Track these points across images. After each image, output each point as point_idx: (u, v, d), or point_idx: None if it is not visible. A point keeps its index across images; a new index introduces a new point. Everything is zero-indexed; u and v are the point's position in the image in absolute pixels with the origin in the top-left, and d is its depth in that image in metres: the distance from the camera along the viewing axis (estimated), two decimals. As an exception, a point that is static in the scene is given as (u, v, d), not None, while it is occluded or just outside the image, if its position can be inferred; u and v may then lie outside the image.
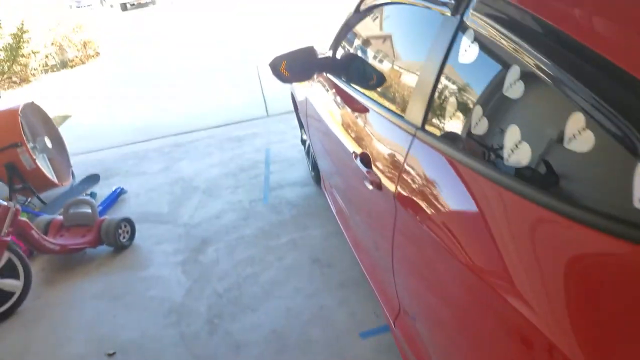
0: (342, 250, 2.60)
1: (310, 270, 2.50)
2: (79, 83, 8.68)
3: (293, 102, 3.47)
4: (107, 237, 2.92)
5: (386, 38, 1.64)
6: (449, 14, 1.16)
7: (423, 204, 1.14)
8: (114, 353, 2.16)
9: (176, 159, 4.31)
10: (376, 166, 1.46)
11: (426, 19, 1.33)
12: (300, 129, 3.65)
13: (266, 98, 5.78)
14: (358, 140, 1.67)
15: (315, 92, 2.50)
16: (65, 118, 6.35)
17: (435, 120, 1.20)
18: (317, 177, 3.23)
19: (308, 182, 3.47)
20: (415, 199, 1.19)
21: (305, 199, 3.25)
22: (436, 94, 1.19)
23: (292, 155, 4.00)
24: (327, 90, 2.29)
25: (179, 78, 7.70)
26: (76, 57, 10.02)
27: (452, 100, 1.13)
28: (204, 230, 3.07)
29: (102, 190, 3.82)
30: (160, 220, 3.29)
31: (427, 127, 1.21)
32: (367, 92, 1.73)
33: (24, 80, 9.05)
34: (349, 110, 1.88)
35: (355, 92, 1.82)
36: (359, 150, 1.63)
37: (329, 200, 2.73)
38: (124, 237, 3.00)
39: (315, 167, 3.21)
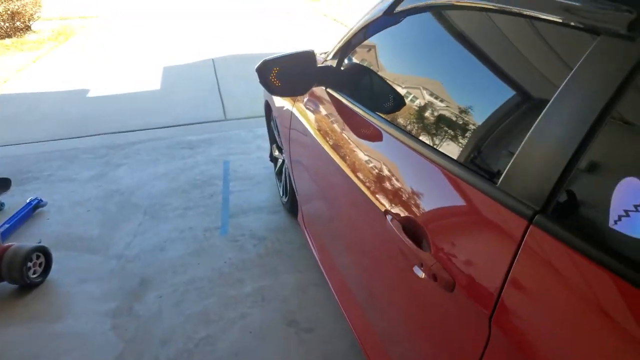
0: (326, 308, 2.07)
1: (284, 336, 1.94)
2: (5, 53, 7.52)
3: (266, 108, 2.89)
4: (11, 271, 2.20)
5: (457, 59, 1.12)
6: (622, 34, 0.68)
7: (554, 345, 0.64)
8: None
9: (113, 165, 3.58)
10: (441, 250, 0.94)
11: (563, 39, 0.83)
12: (272, 144, 3.07)
13: (224, 97, 5.12)
14: (394, 194, 1.15)
15: (307, 107, 1.95)
16: (-23, 100, 5.33)
17: (572, 202, 0.70)
18: (291, 205, 2.67)
19: (277, 209, 2.90)
20: (534, 334, 0.68)
21: (274, 231, 2.68)
22: (581, 159, 0.70)
23: (256, 171, 3.41)
24: (326, 109, 1.75)
25: (123, 63, 6.82)
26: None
27: (602, 168, 0.64)
28: (144, 266, 2.41)
29: (13, 200, 3.03)
30: (87, 247, 2.59)
31: (556, 210, 0.71)
32: (407, 127, 1.21)
33: None
34: (370, 145, 1.35)
35: (385, 123, 1.30)
36: (396, 210, 1.11)
37: (308, 238, 2.19)
38: (34, 272, 2.28)
39: (289, 193, 2.65)
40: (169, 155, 3.71)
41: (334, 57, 1.81)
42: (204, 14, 11.66)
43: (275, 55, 1.65)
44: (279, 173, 2.96)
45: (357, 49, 1.68)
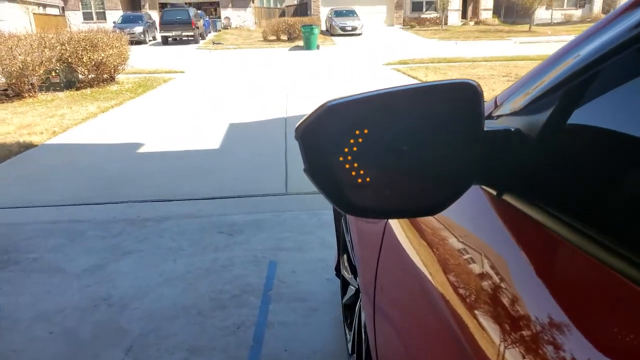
0: None
1: None
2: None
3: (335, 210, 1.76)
4: None
5: None
6: None
7: None
8: None
9: (121, 252, 2.58)
10: None
11: None
12: (342, 254, 1.90)
13: (289, 164, 4.10)
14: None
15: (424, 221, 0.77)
16: (26, 147, 4.79)
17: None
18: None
19: (340, 377, 1.66)
20: None
21: None
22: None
23: (313, 285, 2.22)
24: (482, 230, 0.55)
25: (192, 117, 6.18)
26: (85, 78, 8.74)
27: None
28: None
29: (-39, 301, 2.09)
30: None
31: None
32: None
33: (18, 95, 7.70)
34: None
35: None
36: None
37: None
38: None
39: (363, 353, 1.41)
40: (198, 244, 2.65)
41: (513, 114, 0.65)
42: (292, 73, 11.24)
43: (355, 96, 0.52)
44: (347, 308, 1.76)
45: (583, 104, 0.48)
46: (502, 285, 0.59)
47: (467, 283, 0.65)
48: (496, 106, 0.78)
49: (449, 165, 0.61)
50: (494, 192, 0.68)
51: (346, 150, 0.56)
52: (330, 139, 0.56)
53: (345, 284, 1.86)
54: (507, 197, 0.66)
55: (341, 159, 0.56)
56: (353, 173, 0.57)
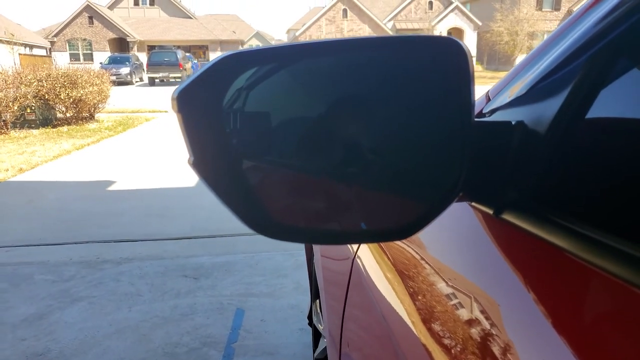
0: None
1: None
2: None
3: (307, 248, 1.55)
4: None
5: None
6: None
7: None
8: None
9: (70, 299, 2.29)
10: None
11: None
12: (315, 300, 1.67)
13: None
14: None
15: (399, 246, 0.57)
16: (-15, 186, 4.50)
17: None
18: None
19: None
20: None
21: None
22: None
23: (284, 338, 1.96)
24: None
25: (170, 156, 5.98)
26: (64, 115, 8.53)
27: None
28: None
29: None
30: None
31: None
32: None
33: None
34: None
35: None
36: None
37: None
38: None
39: None
40: (158, 289, 2.38)
41: (512, 105, 0.46)
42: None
43: (280, 45, 0.33)
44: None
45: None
46: (512, 344, 0.38)
47: (458, 335, 0.44)
48: (488, 101, 0.59)
49: (421, 165, 0.41)
50: (490, 210, 0.49)
51: (262, 130, 0.37)
52: (233, 112, 0.36)
53: (317, 335, 1.61)
54: (509, 216, 0.46)
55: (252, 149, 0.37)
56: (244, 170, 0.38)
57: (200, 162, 0.38)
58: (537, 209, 0.44)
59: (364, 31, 27.87)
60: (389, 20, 28.33)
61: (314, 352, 1.63)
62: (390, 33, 27.85)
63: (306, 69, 0.40)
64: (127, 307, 2.20)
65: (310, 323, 1.76)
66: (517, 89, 0.54)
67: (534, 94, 0.50)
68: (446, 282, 0.53)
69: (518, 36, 23.84)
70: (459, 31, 27.39)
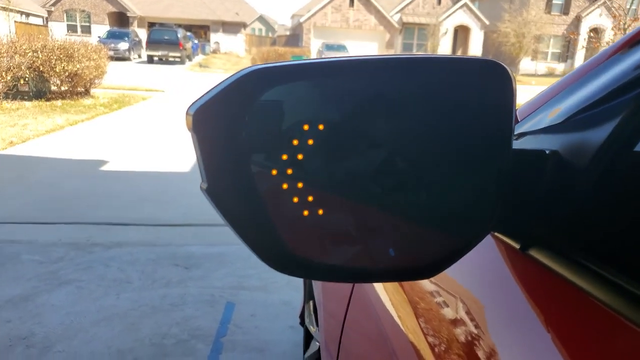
0: None
1: None
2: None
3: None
4: None
5: None
6: None
7: None
8: None
9: (57, 282, 2.25)
10: None
11: None
12: (308, 300, 1.64)
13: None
14: None
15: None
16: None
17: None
18: None
19: None
20: None
21: None
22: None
23: (274, 334, 1.93)
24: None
25: (166, 137, 5.89)
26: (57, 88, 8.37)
27: None
28: None
29: None
30: None
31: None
32: None
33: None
34: None
35: None
36: None
37: None
38: None
39: None
40: (148, 277, 2.34)
41: (546, 131, 0.44)
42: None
43: (307, 61, 0.29)
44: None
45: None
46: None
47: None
48: (517, 122, 0.56)
49: (456, 194, 0.38)
50: (516, 244, 0.46)
51: (284, 157, 0.33)
52: (256, 133, 0.33)
53: (308, 336, 1.59)
54: (536, 252, 0.43)
55: (275, 172, 0.33)
56: (295, 199, 0.34)
57: (216, 190, 0.35)
58: (568, 249, 0.41)
59: (370, 22, 27.63)
60: (396, 13, 28.06)
61: (304, 353, 1.60)
62: (397, 26, 27.66)
63: (343, 87, 0.36)
64: (115, 294, 2.16)
65: (302, 323, 1.74)
66: (552, 115, 0.51)
67: (572, 123, 0.46)
68: (460, 313, 0.50)
69: (525, 38, 23.70)
70: (465, 29, 27.24)
